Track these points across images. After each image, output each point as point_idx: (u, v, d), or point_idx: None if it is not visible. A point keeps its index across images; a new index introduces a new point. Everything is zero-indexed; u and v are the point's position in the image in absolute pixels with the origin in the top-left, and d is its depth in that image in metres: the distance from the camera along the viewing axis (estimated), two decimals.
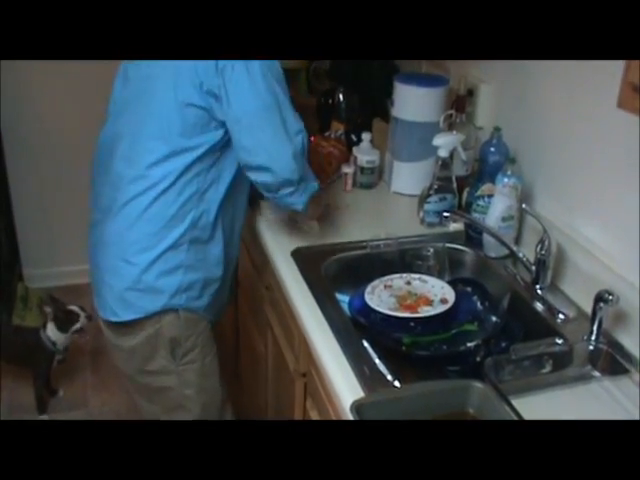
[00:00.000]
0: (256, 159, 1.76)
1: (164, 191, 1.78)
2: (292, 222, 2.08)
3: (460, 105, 2.19)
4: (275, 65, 1.78)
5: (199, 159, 1.78)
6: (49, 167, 3.79)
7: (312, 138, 2.48)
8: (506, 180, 1.86)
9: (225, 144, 1.81)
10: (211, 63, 1.71)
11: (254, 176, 1.80)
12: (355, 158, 2.38)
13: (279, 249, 1.97)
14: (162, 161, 1.77)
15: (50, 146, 3.75)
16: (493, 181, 1.92)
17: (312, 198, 1.89)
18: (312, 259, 1.91)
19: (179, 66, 1.75)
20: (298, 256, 1.92)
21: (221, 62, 1.71)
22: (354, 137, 2.54)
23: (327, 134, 2.54)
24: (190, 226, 1.82)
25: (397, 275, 1.87)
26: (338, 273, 1.91)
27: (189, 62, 1.73)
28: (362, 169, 2.37)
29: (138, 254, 1.81)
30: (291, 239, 2.01)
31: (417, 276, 1.88)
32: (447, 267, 1.95)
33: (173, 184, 1.78)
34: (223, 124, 1.77)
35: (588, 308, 1.62)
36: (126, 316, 1.85)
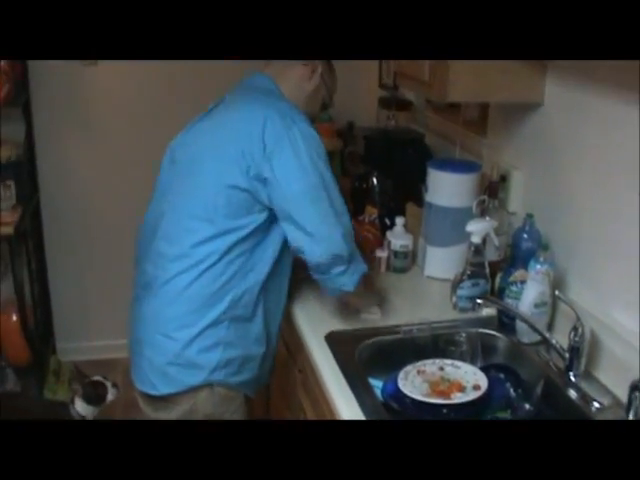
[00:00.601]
0: (306, 240, 1.82)
1: (206, 270, 1.83)
2: (349, 309, 2.10)
3: (493, 191, 2.21)
4: (320, 145, 1.85)
5: (243, 240, 1.84)
6: (85, 243, 3.86)
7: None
8: (539, 266, 1.87)
9: (269, 226, 1.87)
10: (259, 147, 1.78)
11: (305, 255, 1.85)
12: (389, 242, 2.40)
13: (313, 332, 1.99)
14: (206, 241, 1.83)
15: (87, 223, 3.83)
16: (526, 267, 1.93)
17: (363, 282, 1.94)
18: (346, 343, 1.92)
19: (225, 149, 1.83)
20: (332, 340, 1.93)
21: (269, 147, 1.78)
22: (388, 221, 2.56)
23: (361, 218, 2.57)
24: (231, 304, 1.86)
25: (430, 360, 1.87)
26: (371, 357, 1.91)
27: (235, 145, 1.81)
28: (395, 253, 2.39)
29: (179, 330, 1.85)
30: (325, 322, 2.03)
31: (450, 362, 1.87)
32: (480, 353, 1.94)
33: (216, 263, 1.83)
34: (267, 207, 1.83)
35: (623, 396, 1.60)
36: (165, 389, 1.89)
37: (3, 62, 3.19)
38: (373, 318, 2.08)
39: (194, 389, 1.87)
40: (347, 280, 1.88)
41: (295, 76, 2.06)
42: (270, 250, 1.90)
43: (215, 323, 1.85)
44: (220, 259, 1.83)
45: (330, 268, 1.85)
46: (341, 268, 1.86)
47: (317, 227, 1.81)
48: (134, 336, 1.98)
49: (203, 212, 1.84)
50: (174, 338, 1.85)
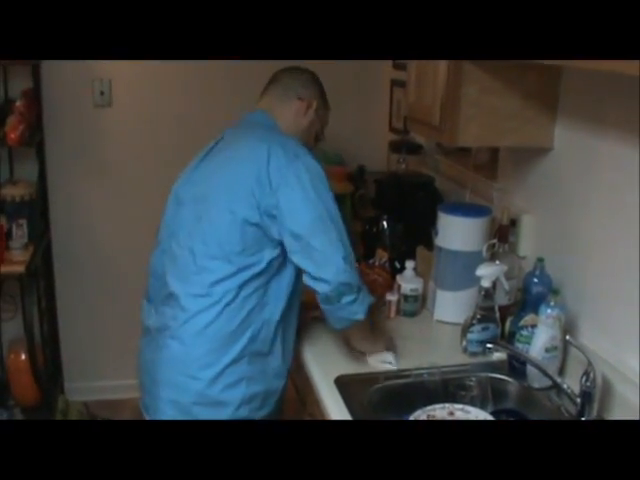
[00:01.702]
0: (316, 270, 1.84)
1: (225, 307, 1.85)
2: (355, 353, 2.09)
3: (503, 235, 2.21)
4: (324, 176, 1.90)
5: (258, 275, 1.87)
6: (96, 284, 3.88)
7: (356, 265, 2.52)
8: (549, 311, 1.87)
9: (282, 261, 1.91)
10: (265, 183, 1.82)
11: (316, 286, 1.85)
12: (399, 286, 2.40)
13: (323, 376, 1.98)
14: (224, 279, 1.85)
15: (98, 262, 3.85)
16: (536, 311, 1.93)
17: (370, 324, 1.98)
18: (355, 387, 1.91)
19: (234, 187, 1.86)
20: (342, 384, 1.92)
21: (274, 182, 1.82)
22: (398, 265, 2.57)
23: (371, 261, 2.58)
24: (250, 340, 1.88)
25: (440, 405, 1.85)
26: (381, 402, 1.90)
27: (244, 182, 1.84)
28: (405, 297, 2.38)
29: (203, 370, 1.86)
30: (335, 366, 2.02)
31: (460, 406, 1.85)
32: (490, 397, 1.93)
33: (234, 300, 1.85)
34: (280, 242, 1.86)
35: None
36: None
37: (19, 103, 3.24)
38: (388, 367, 2.04)
39: None
40: (358, 308, 1.89)
41: (291, 110, 2.11)
42: (285, 285, 1.93)
43: (236, 360, 1.87)
44: (237, 296, 1.85)
45: (340, 297, 1.85)
46: (351, 297, 1.87)
47: (326, 257, 1.83)
48: (152, 379, 1.96)
49: (219, 251, 1.86)
50: (198, 378, 1.86)
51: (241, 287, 1.85)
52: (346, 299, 1.86)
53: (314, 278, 1.85)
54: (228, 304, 1.85)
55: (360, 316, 1.91)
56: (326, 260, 1.83)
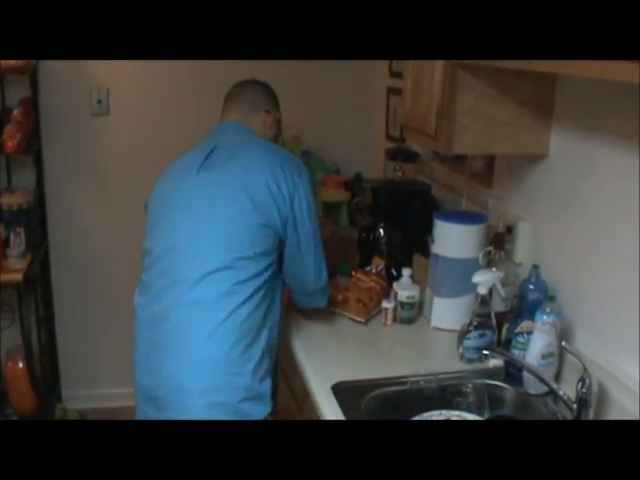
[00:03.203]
0: (303, 273, 2.08)
1: (255, 303, 1.92)
2: None
3: (499, 242, 2.23)
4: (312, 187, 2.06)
5: (276, 271, 2.00)
6: (93, 291, 3.88)
7: (353, 272, 2.54)
8: (545, 317, 1.87)
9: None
10: (285, 193, 1.95)
11: (297, 286, 2.13)
12: (395, 293, 2.40)
13: (319, 383, 1.98)
14: (252, 277, 1.91)
15: (95, 270, 3.86)
16: (532, 318, 1.94)
17: None
18: (352, 394, 1.91)
19: (253, 190, 1.94)
20: (339, 390, 1.92)
21: (290, 190, 1.96)
22: (394, 272, 2.57)
23: (368, 269, 2.59)
24: (269, 331, 1.97)
25: (437, 412, 1.85)
26: (378, 408, 1.90)
27: (263, 187, 1.94)
28: (402, 304, 2.38)
29: (244, 365, 1.90)
30: (331, 373, 2.02)
31: (457, 413, 1.86)
32: (487, 404, 1.93)
33: (263, 296, 1.94)
34: (281, 240, 1.99)
35: None
36: None
37: (16, 111, 3.25)
38: None
39: None
40: (323, 299, 2.24)
41: (259, 122, 2.21)
42: (281, 279, 2.07)
43: (265, 351, 1.94)
44: (263, 291, 1.94)
45: (314, 292, 2.18)
46: (320, 292, 2.19)
47: (314, 265, 2.08)
48: (173, 387, 1.90)
49: (249, 250, 1.92)
50: (242, 374, 1.89)
51: (265, 282, 1.93)
52: (317, 294, 2.20)
53: (299, 280, 2.09)
54: (257, 299, 1.92)
55: (322, 304, 2.25)
56: (314, 268, 2.07)
